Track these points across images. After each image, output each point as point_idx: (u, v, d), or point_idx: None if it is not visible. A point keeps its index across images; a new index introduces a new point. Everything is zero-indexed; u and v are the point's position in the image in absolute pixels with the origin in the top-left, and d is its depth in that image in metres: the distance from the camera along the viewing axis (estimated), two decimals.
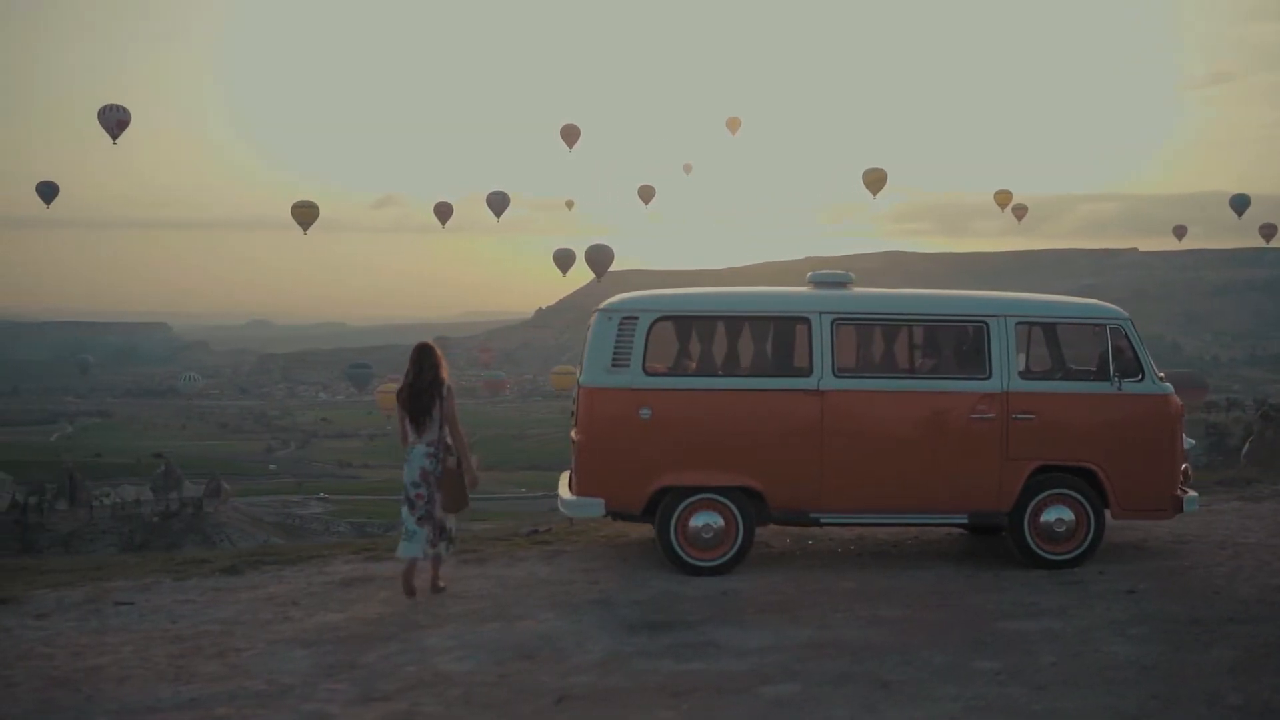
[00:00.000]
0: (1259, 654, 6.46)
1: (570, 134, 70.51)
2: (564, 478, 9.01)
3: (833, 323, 8.51)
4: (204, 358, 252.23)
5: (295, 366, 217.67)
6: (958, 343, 8.89)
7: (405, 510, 7.88)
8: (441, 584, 7.94)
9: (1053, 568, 8.49)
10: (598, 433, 8.47)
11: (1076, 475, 8.60)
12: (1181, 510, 8.75)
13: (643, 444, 8.36)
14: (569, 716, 5.62)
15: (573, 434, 8.74)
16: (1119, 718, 5.51)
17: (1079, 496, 8.57)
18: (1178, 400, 8.88)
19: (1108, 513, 8.66)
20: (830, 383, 8.42)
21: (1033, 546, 8.56)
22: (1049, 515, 8.55)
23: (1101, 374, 8.68)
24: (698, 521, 8.36)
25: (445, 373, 7.97)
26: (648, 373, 8.41)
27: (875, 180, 68.64)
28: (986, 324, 8.59)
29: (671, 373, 8.64)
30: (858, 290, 8.99)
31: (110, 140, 56.57)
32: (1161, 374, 8.83)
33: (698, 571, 8.31)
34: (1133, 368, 8.66)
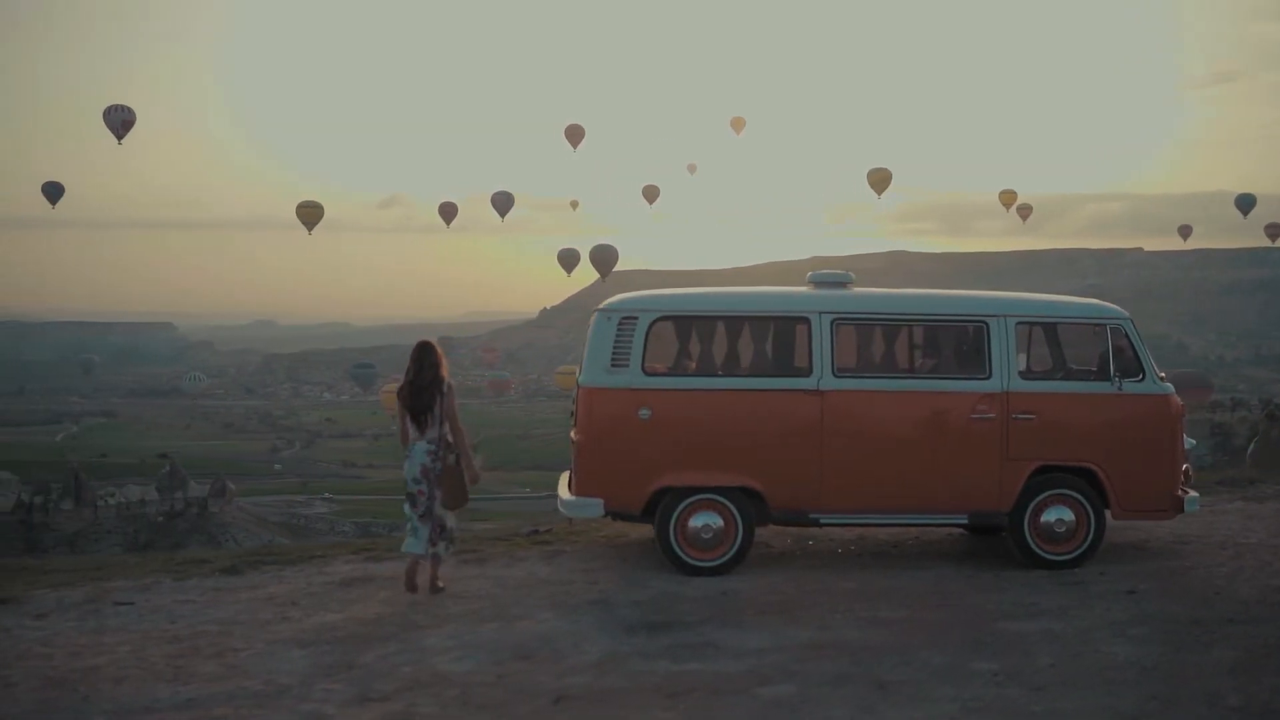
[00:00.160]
0: (1259, 655, 6.45)
1: (574, 134, 70.45)
2: (564, 478, 9.01)
3: (832, 323, 8.49)
4: (209, 357, 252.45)
5: (300, 366, 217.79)
6: (958, 343, 8.88)
7: (408, 506, 7.93)
8: (440, 584, 7.94)
9: (1053, 568, 8.47)
10: (597, 433, 8.47)
11: (1077, 475, 8.59)
12: (1182, 510, 8.73)
13: (642, 444, 8.35)
14: (566, 717, 5.62)
15: (572, 434, 8.74)
16: (1117, 718, 5.50)
17: (1079, 497, 8.55)
18: (1178, 400, 8.86)
19: (1108, 513, 8.64)
20: (830, 383, 8.41)
21: (1033, 547, 8.54)
22: (1049, 515, 8.54)
23: (1102, 374, 8.66)
24: (697, 522, 8.35)
25: (445, 371, 8.00)
26: (647, 373, 8.40)
27: (880, 180, 68.55)
28: (986, 324, 8.57)
29: (671, 373, 8.64)
30: (858, 290, 8.98)
31: (115, 140, 56.63)
32: (1162, 374, 8.81)
33: (697, 572, 8.30)
34: (1133, 367, 8.64)
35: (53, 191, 68.32)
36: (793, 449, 8.43)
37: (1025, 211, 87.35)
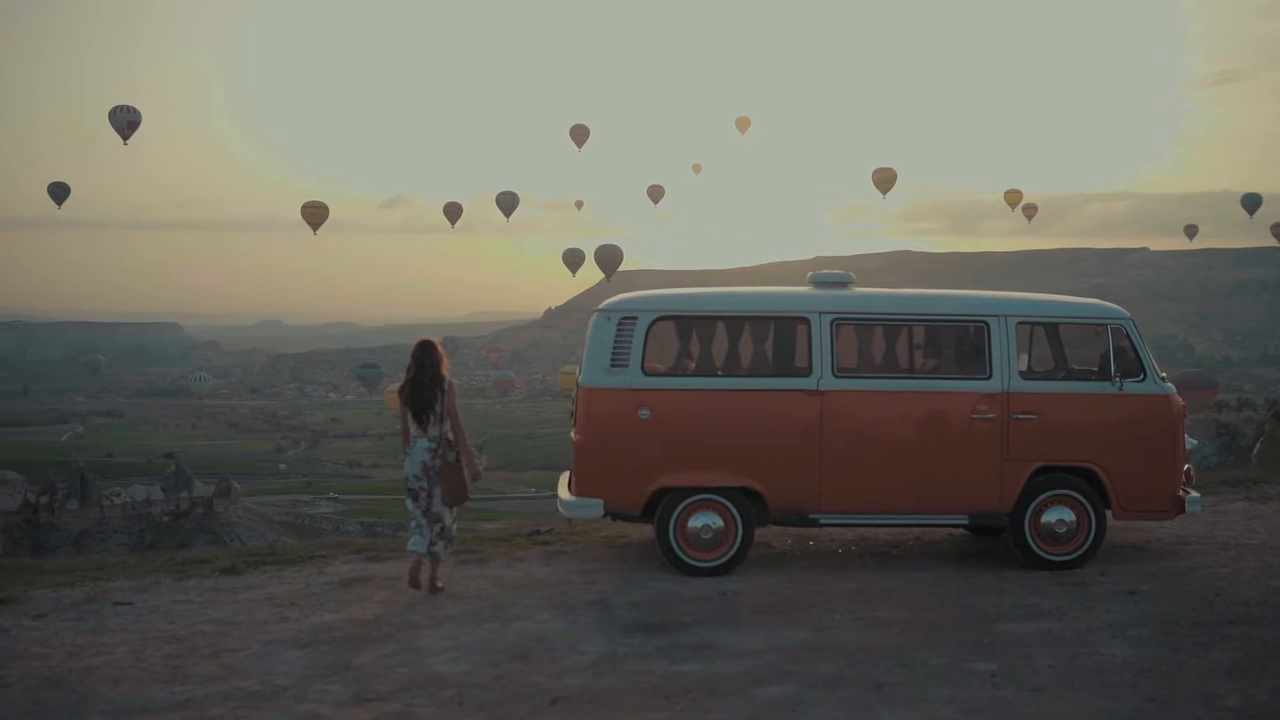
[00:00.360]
0: (1258, 656, 6.42)
1: (579, 134, 70.52)
2: (563, 478, 9.00)
3: (832, 323, 8.48)
4: (214, 358, 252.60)
5: (305, 366, 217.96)
6: (958, 343, 8.86)
7: (410, 503, 7.96)
8: (440, 584, 7.94)
9: (1054, 569, 8.44)
10: (596, 433, 8.46)
11: (1077, 476, 8.56)
12: (1184, 511, 8.70)
13: (642, 444, 8.34)
14: (562, 717, 5.61)
15: (572, 434, 8.73)
16: None
17: (1080, 497, 8.53)
18: (1180, 400, 8.83)
19: (1109, 514, 8.62)
20: (830, 383, 8.40)
21: (1033, 547, 8.52)
22: (1050, 516, 8.51)
23: (1103, 374, 8.64)
24: (697, 522, 8.34)
25: (446, 369, 8.02)
26: (647, 373, 8.39)
27: (885, 180, 68.48)
28: (987, 324, 8.55)
29: (670, 373, 8.62)
30: (858, 290, 8.96)
31: (121, 141, 56.78)
32: (1163, 374, 8.78)
33: (696, 572, 8.29)
34: (1134, 367, 8.62)
35: (59, 192, 68.54)
36: (793, 449, 8.41)
37: (1030, 211, 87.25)
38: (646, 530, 8.94)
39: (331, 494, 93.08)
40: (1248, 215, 78.57)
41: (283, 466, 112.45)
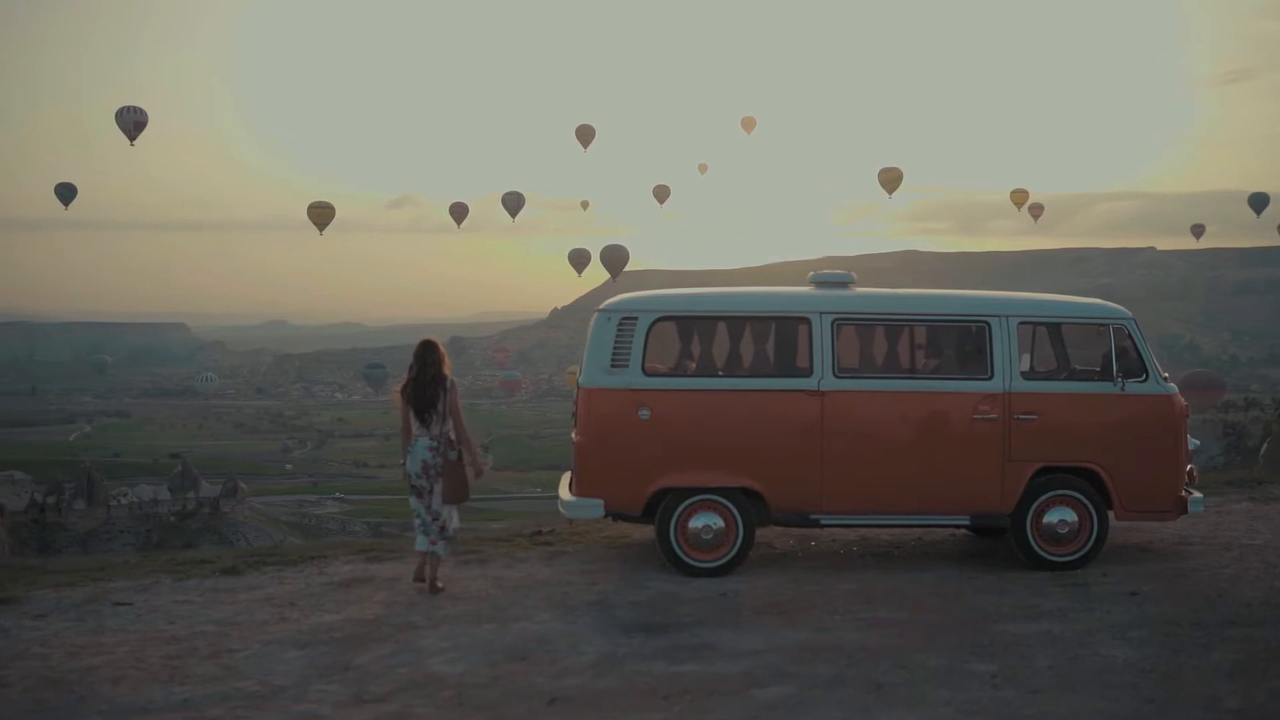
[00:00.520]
0: (1260, 658, 6.40)
1: (585, 134, 70.50)
2: (565, 479, 9.00)
3: (833, 323, 8.46)
4: (221, 358, 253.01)
5: (312, 366, 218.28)
6: (959, 343, 8.84)
7: (414, 500, 8.00)
8: (440, 585, 7.95)
9: (1056, 569, 8.42)
10: (597, 433, 8.45)
11: (1079, 476, 8.54)
12: (1186, 512, 8.67)
13: (642, 444, 8.33)
14: (560, 718, 5.60)
15: (573, 435, 8.73)
16: None
17: (1082, 498, 8.51)
18: (1182, 400, 8.81)
19: (1111, 514, 8.59)
20: (831, 383, 8.38)
21: (1035, 548, 8.50)
22: (1052, 516, 8.49)
23: (1105, 374, 8.61)
24: (697, 522, 8.33)
25: (448, 368, 8.08)
26: (647, 373, 8.38)
27: (891, 179, 68.46)
28: (988, 324, 8.53)
29: (671, 373, 8.62)
30: (859, 290, 8.95)
31: (128, 142, 56.89)
32: (1165, 374, 8.76)
33: (697, 573, 8.28)
34: (1136, 367, 8.59)
35: (65, 193, 68.67)
36: (793, 449, 8.40)
37: (1037, 211, 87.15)
38: (648, 531, 8.93)
39: (338, 494, 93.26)
40: (1255, 215, 78.45)
41: (289, 467, 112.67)
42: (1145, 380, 8.59)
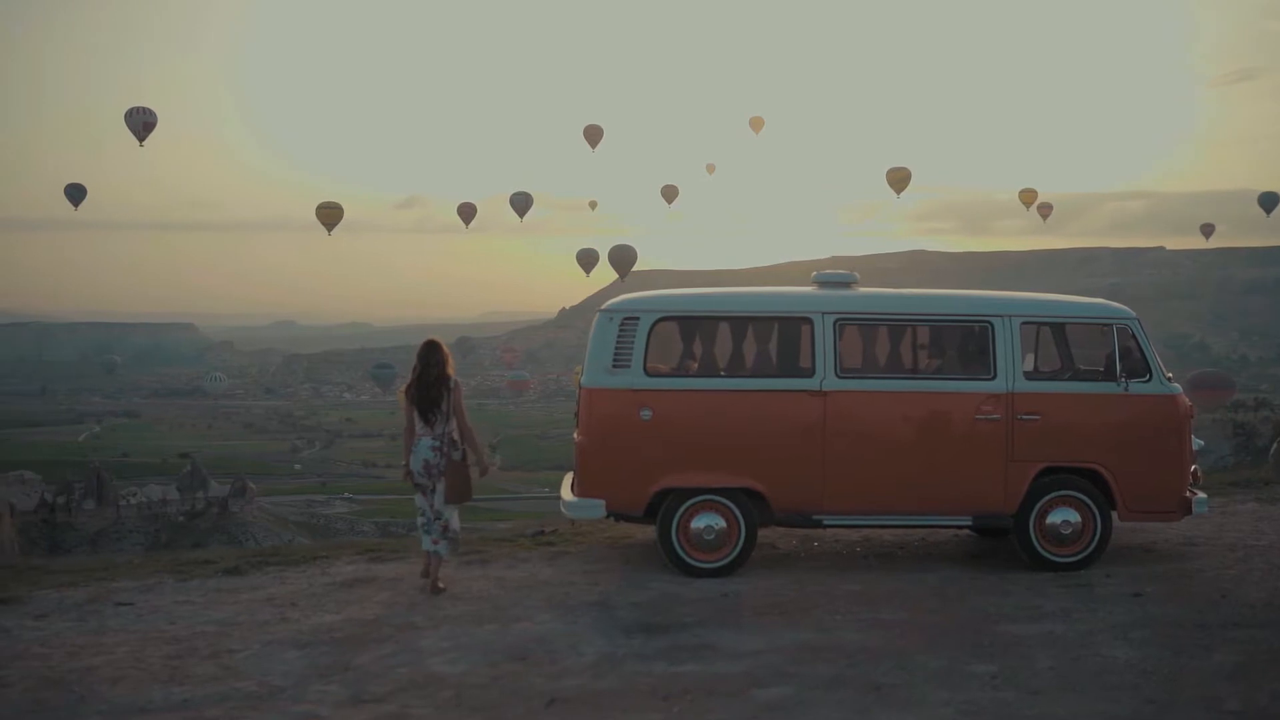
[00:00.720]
0: (1262, 659, 6.37)
1: (593, 134, 70.48)
2: (567, 479, 9.00)
3: (835, 323, 8.45)
4: (230, 358, 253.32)
5: (320, 367, 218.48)
6: (962, 343, 8.82)
7: (419, 499, 8.04)
8: (441, 585, 7.96)
9: (1059, 570, 8.40)
10: (598, 434, 8.44)
11: (1083, 477, 8.51)
12: (1190, 512, 8.64)
13: (644, 445, 8.32)
14: (559, 718, 5.59)
15: (575, 435, 8.72)
16: None
17: (1085, 498, 8.48)
18: (1186, 400, 8.77)
19: (1115, 515, 8.56)
20: (833, 383, 8.36)
21: (1038, 549, 8.47)
22: (1055, 517, 8.47)
23: (1108, 374, 8.58)
24: (699, 523, 8.32)
25: (452, 368, 8.13)
26: (649, 373, 8.38)
27: (899, 179, 68.32)
28: (991, 324, 8.51)
29: (673, 373, 8.60)
30: (861, 290, 8.93)
31: (137, 143, 56.99)
32: (1169, 374, 8.72)
33: (699, 573, 8.27)
34: (1140, 368, 8.56)
35: (75, 194, 68.83)
36: (795, 450, 8.38)
37: (1045, 210, 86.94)
38: (650, 531, 8.92)
39: (346, 494, 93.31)
40: (1265, 214, 78.12)
41: (298, 466, 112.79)
42: (1149, 380, 8.56)
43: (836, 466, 8.37)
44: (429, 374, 8.00)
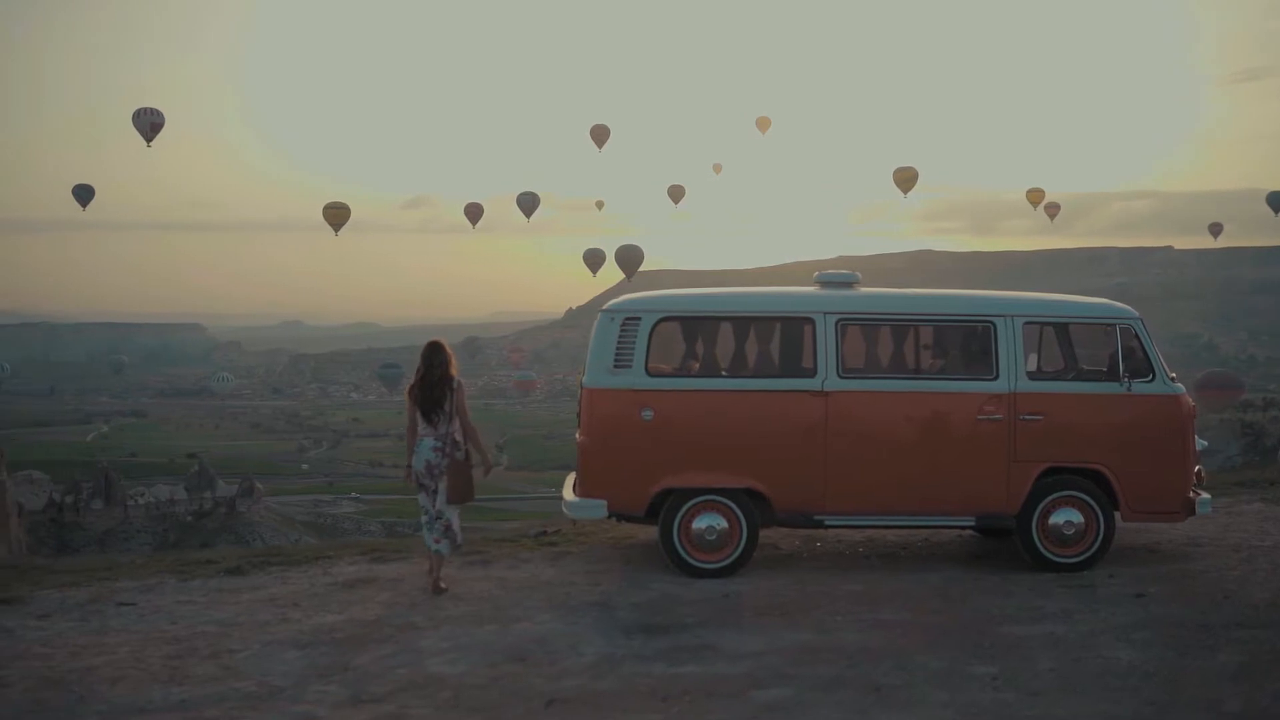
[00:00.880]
0: (1265, 660, 6.35)
1: (600, 134, 70.45)
2: (569, 479, 8.99)
3: (837, 323, 8.43)
4: (237, 358, 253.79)
5: (327, 367, 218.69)
6: (964, 343, 8.79)
7: (422, 498, 8.06)
8: (443, 585, 7.96)
9: (1062, 571, 8.37)
10: (600, 434, 8.44)
11: (1085, 477, 8.48)
12: (1194, 513, 8.60)
13: (645, 445, 8.31)
14: (557, 719, 5.60)
15: (576, 435, 8.72)
16: None
17: (1088, 499, 8.45)
18: (1189, 400, 8.75)
19: (1118, 515, 8.54)
20: (835, 383, 8.35)
21: (1041, 549, 8.45)
22: (1058, 518, 8.44)
23: (1111, 374, 8.55)
24: (701, 523, 8.31)
25: (455, 369, 8.15)
26: (650, 373, 8.37)
27: (906, 179, 68.21)
28: (993, 324, 8.49)
29: (674, 374, 8.59)
30: (863, 290, 8.91)
31: (144, 143, 57.09)
32: (1173, 374, 8.69)
33: (701, 574, 8.25)
34: (1143, 368, 8.53)
35: (83, 194, 68.98)
36: (797, 450, 8.36)
37: (1053, 210, 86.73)
38: (653, 531, 8.91)
39: (353, 494, 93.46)
40: (1273, 213, 77.85)
41: (305, 466, 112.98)
42: (1152, 380, 8.53)
43: (838, 467, 8.35)
44: (432, 375, 8.05)
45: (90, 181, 70.18)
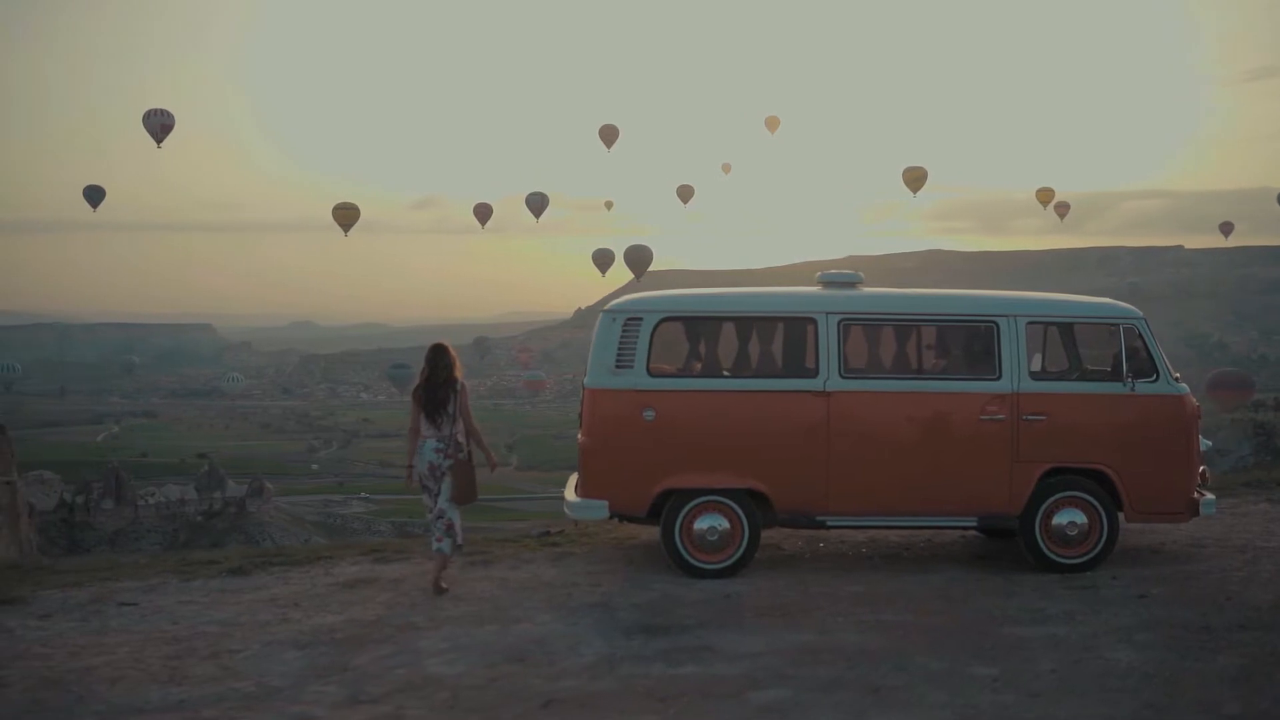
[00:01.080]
0: (1266, 663, 6.31)
1: (609, 134, 70.47)
2: (571, 480, 8.98)
3: (839, 323, 8.41)
4: (247, 358, 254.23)
5: (337, 367, 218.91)
6: (967, 343, 8.77)
7: (426, 498, 8.10)
8: (444, 585, 7.97)
9: (1065, 572, 8.34)
10: (601, 434, 8.43)
11: (1089, 477, 8.45)
12: (1198, 513, 8.56)
13: (647, 446, 8.30)
14: None
15: (578, 435, 8.71)
16: None
17: (1091, 499, 8.42)
18: (1193, 401, 8.70)
19: (1121, 516, 8.50)
20: (837, 384, 8.33)
21: (1044, 550, 8.42)
22: (1061, 518, 8.41)
23: (1115, 374, 8.52)
24: (702, 524, 8.30)
25: (459, 371, 8.19)
26: (652, 374, 8.36)
27: (915, 178, 68.12)
28: (996, 324, 8.46)
29: (676, 374, 8.58)
30: (866, 290, 8.89)
31: (155, 144, 57.28)
32: (1177, 374, 8.66)
33: (702, 574, 8.24)
34: (1147, 368, 8.50)
35: (94, 195, 69.23)
36: (799, 451, 8.35)
37: (1063, 209, 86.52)
38: (656, 531, 8.90)
39: (363, 494, 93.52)
40: None
41: (315, 466, 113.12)
42: (1156, 380, 8.49)
43: (840, 467, 8.33)
44: (437, 376, 8.08)
45: (101, 183, 70.48)
